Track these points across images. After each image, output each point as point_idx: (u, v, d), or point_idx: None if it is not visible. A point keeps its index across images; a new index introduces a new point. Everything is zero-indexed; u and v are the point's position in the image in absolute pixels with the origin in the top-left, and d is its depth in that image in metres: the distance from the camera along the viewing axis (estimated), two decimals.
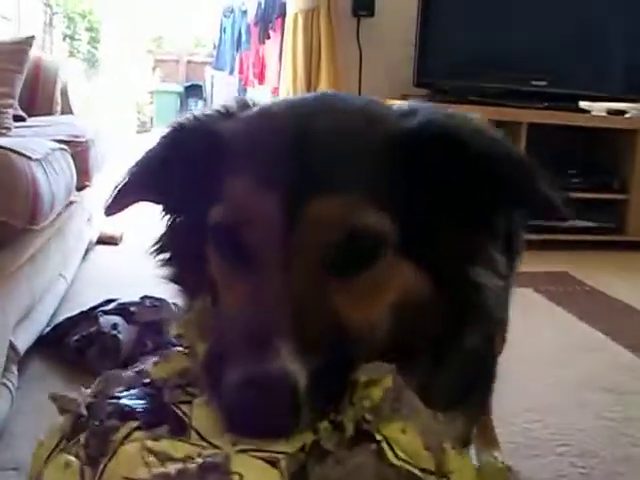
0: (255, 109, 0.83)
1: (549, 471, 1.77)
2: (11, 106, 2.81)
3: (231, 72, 8.86)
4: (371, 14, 4.47)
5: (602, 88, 4.63)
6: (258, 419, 0.63)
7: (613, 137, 4.55)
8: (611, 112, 4.63)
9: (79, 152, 2.70)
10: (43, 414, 1.74)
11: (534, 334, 2.72)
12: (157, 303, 2.35)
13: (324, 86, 4.40)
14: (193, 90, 12.82)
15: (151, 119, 12.40)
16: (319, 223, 0.70)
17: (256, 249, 0.72)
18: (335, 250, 0.72)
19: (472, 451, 1.73)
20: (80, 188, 2.73)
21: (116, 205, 0.87)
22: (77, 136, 2.80)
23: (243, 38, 8.42)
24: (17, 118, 2.95)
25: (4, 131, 2.64)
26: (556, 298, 3.27)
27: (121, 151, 4.60)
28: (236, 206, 0.73)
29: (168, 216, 0.89)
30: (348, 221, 0.71)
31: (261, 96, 8.41)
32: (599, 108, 4.71)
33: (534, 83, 4.47)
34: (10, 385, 1.83)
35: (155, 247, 0.90)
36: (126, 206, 0.88)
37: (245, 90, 9.83)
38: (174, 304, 2.39)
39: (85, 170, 2.77)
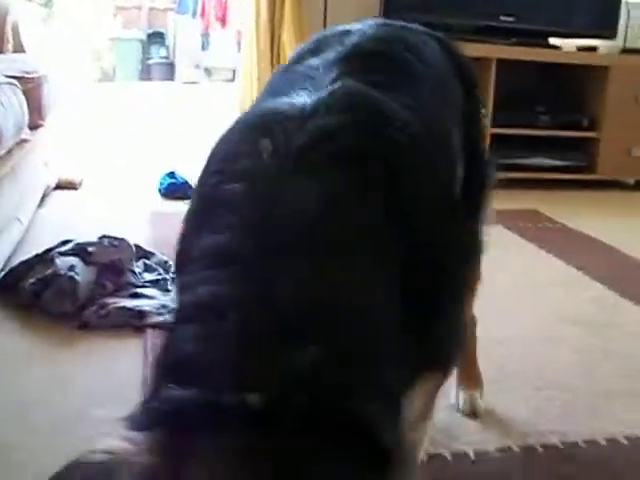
0: None
1: (527, 406, 1.71)
2: None
3: (194, 15, 8.74)
4: None
5: (572, 24, 4.55)
6: None
7: (583, 74, 4.48)
8: (581, 49, 4.56)
9: (31, 89, 2.59)
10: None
11: (506, 269, 2.67)
12: (116, 243, 2.25)
13: (287, 19, 4.28)
14: (155, 37, 12.59)
15: (113, 68, 12.16)
16: None
17: None
18: None
19: (453, 392, 1.68)
20: (33, 127, 2.62)
21: None
22: (29, 72, 2.68)
23: None
24: None
25: None
26: (527, 234, 3.23)
27: (81, 99, 4.48)
28: None
29: None
30: None
31: (224, 39, 8.33)
32: (569, 44, 4.64)
33: (502, 19, 4.38)
34: None
35: None
36: None
37: (208, 34, 9.72)
38: (135, 245, 2.31)
39: (38, 108, 2.66)
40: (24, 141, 2.49)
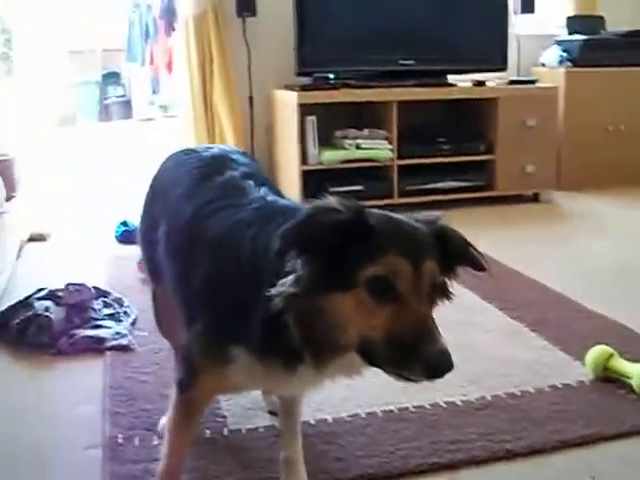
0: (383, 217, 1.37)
1: (376, 387, 2.37)
2: None
3: (143, 63, 9.31)
4: (253, 14, 5.01)
5: (466, 61, 5.24)
6: (448, 369, 1.25)
7: (477, 105, 5.16)
8: (475, 83, 5.21)
9: (3, 169, 3.23)
10: None
11: None
12: (79, 287, 2.94)
13: (217, 82, 4.97)
14: (111, 78, 12.99)
15: (72, 111, 12.57)
16: (430, 273, 1.31)
17: (404, 287, 1.29)
18: (433, 288, 1.34)
19: None
20: (8, 199, 3.26)
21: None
22: (1, 155, 3.34)
23: (151, 31, 8.89)
24: None
25: None
26: None
27: (43, 146, 5.08)
28: (392, 266, 1.29)
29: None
30: (437, 274, 1.34)
31: (171, 85, 8.93)
32: (464, 79, 5.33)
33: (402, 62, 5.06)
34: None
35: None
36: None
37: (157, 80, 10.32)
38: (94, 287, 2.97)
39: (10, 183, 3.31)
40: (2, 213, 3.15)
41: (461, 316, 2.95)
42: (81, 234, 4.56)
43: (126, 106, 12.56)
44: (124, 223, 4.32)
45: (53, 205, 4.91)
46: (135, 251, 3.66)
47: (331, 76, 4.90)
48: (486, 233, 4.32)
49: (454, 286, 1.43)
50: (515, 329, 2.88)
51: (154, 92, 11.36)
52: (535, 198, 5.30)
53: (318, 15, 4.90)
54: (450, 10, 5.20)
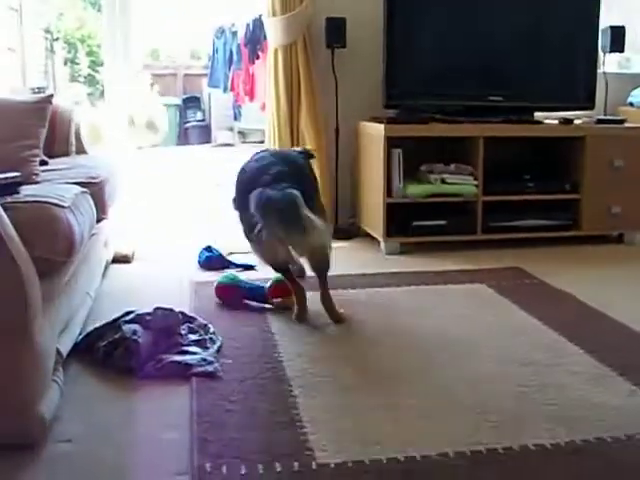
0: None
1: (467, 425, 2.35)
2: (38, 155, 3.39)
3: (225, 90, 9.44)
4: (343, 45, 5.04)
5: (554, 99, 5.21)
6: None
7: (564, 144, 5.10)
8: (562, 121, 5.16)
9: (96, 191, 3.29)
10: (83, 402, 2.37)
11: (478, 322, 3.33)
12: (167, 312, 2.96)
13: (304, 111, 5.00)
14: (191, 102, 13.22)
15: (154, 134, 12.79)
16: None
17: None
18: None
19: None
20: (98, 220, 3.32)
21: None
22: (94, 177, 3.40)
23: (234, 58, 9.01)
24: (41, 162, 3.53)
25: (34, 177, 3.22)
26: (505, 291, 3.82)
27: (129, 168, 5.18)
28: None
29: None
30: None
31: (254, 111, 9.04)
32: (552, 117, 5.28)
33: (491, 99, 5.05)
34: (59, 381, 2.43)
35: None
36: None
37: (239, 106, 10.47)
38: (181, 312, 2.99)
39: (102, 206, 3.37)
40: (93, 234, 3.20)
41: (547, 357, 2.94)
42: (165, 256, 4.61)
43: (205, 130, 12.77)
44: (208, 249, 4.34)
45: (137, 226, 4.99)
46: (217, 277, 3.72)
47: (419, 109, 4.89)
48: (571, 273, 4.28)
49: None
50: (601, 372, 2.81)
51: (235, 118, 11.54)
52: (620, 239, 5.20)
53: (407, 48, 4.90)
54: (539, 47, 5.15)
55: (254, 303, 3.57)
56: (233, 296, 3.58)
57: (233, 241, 3.99)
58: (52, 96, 3.66)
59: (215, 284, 3.65)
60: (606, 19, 5.33)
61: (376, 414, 2.42)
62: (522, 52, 5.14)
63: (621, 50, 5.45)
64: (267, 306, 3.54)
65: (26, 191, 2.56)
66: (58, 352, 2.48)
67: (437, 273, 4.21)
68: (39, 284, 2.21)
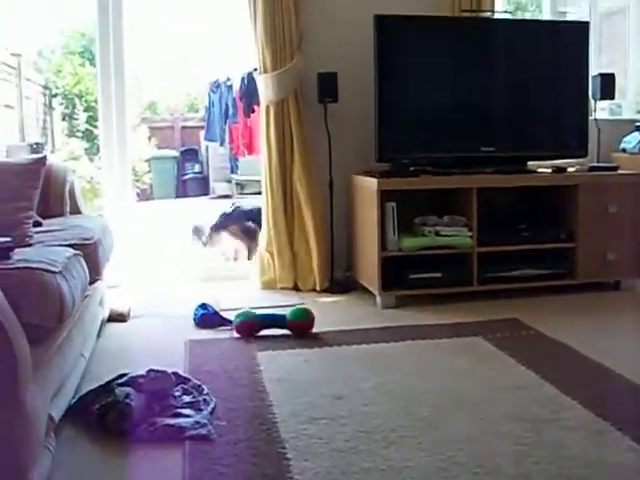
0: None
1: None
2: (31, 217, 3.41)
3: (221, 143, 9.53)
4: (335, 100, 5.07)
5: (547, 148, 5.23)
6: None
7: (558, 192, 5.11)
8: (555, 170, 5.17)
9: (89, 253, 3.30)
10: (75, 467, 2.35)
11: (474, 377, 3.31)
12: (160, 375, 2.94)
13: (297, 166, 5.03)
14: (189, 154, 13.31)
15: (150, 186, 12.89)
16: None
17: None
18: None
19: None
20: (92, 282, 3.32)
21: None
22: (87, 239, 3.41)
23: (230, 111, 9.10)
24: (35, 223, 3.54)
25: (27, 239, 3.23)
26: (502, 344, 3.79)
27: (123, 222, 5.20)
28: None
29: None
30: None
31: (251, 163, 9.11)
32: (544, 166, 5.29)
33: (483, 149, 5.07)
34: (50, 447, 2.41)
35: None
36: None
37: (236, 159, 10.54)
38: (174, 372, 2.97)
39: (95, 267, 3.37)
40: (87, 296, 3.19)
41: (544, 412, 2.92)
42: (161, 313, 4.59)
43: (203, 182, 12.84)
44: (203, 306, 4.33)
45: (133, 281, 4.98)
46: (213, 335, 3.71)
47: (411, 162, 4.92)
48: (568, 322, 4.27)
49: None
50: (600, 427, 2.77)
51: (232, 171, 11.62)
52: (616, 286, 5.18)
53: (399, 102, 4.93)
54: (529, 97, 5.20)
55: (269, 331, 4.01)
56: (251, 330, 3.99)
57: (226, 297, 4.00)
58: (46, 157, 3.68)
59: (232, 324, 4.05)
60: (596, 65, 5.39)
61: (372, 477, 2.40)
62: (513, 103, 5.19)
63: (612, 97, 5.49)
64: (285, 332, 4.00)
65: (18, 255, 2.56)
66: (50, 418, 2.47)
67: (434, 326, 4.19)
68: (29, 350, 2.20)
